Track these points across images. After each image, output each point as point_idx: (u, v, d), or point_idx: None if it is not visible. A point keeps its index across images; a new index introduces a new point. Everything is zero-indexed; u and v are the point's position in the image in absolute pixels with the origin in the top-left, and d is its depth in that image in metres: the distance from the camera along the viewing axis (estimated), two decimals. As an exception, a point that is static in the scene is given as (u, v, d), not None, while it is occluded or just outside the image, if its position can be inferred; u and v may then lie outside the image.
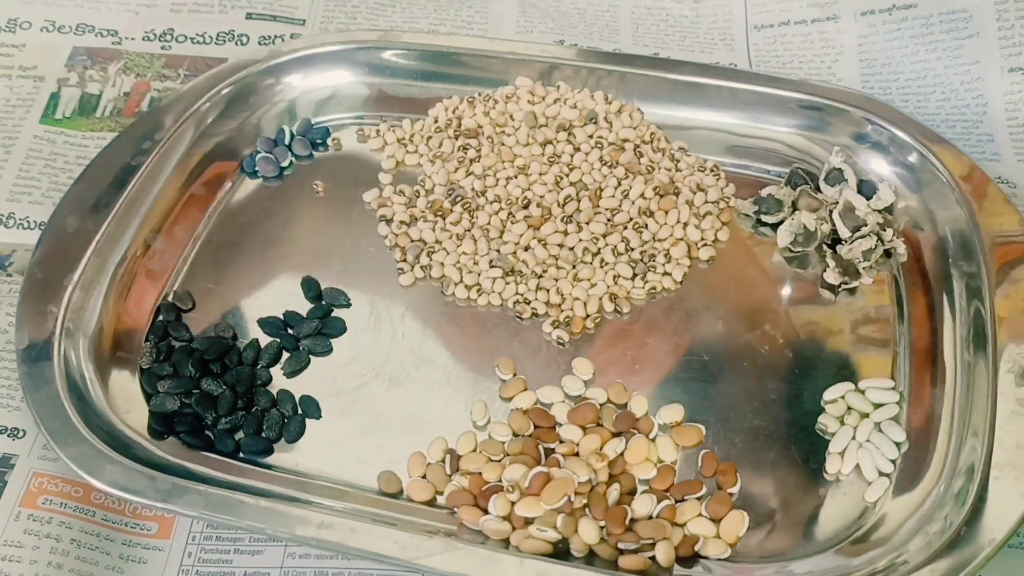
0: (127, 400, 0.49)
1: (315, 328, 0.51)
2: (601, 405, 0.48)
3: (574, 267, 0.53)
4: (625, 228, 0.54)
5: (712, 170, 0.57)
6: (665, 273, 0.53)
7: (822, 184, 0.55)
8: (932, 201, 0.54)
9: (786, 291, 0.53)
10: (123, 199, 0.54)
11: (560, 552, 0.43)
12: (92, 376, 0.49)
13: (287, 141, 0.60)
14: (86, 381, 0.48)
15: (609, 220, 0.54)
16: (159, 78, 0.66)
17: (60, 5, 0.70)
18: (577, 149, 0.58)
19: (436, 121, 0.60)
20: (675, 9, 0.71)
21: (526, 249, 0.54)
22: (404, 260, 0.54)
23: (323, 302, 0.53)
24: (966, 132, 0.62)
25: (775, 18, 0.69)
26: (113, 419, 0.47)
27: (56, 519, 0.45)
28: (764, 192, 0.55)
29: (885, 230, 0.52)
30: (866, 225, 0.52)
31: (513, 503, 0.43)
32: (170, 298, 0.53)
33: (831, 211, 0.53)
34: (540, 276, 0.53)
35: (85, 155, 0.60)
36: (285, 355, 0.51)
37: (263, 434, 0.48)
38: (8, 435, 0.48)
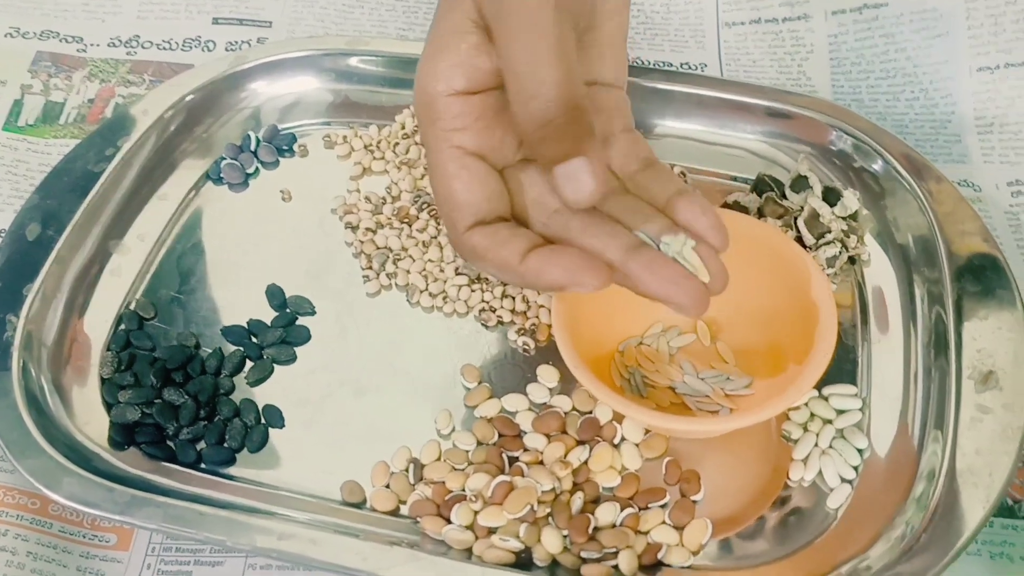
0: (87, 411, 0.48)
1: (279, 337, 0.51)
2: (566, 413, 0.48)
3: (540, 274, 0.53)
4: (591, 235, 0.54)
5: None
6: (631, 280, 0.53)
7: (788, 191, 0.55)
8: (896, 208, 0.54)
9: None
10: (84, 207, 0.54)
11: (523, 562, 0.43)
12: (51, 387, 0.48)
13: (253, 148, 0.60)
14: (45, 392, 0.48)
15: (575, 227, 0.54)
16: (124, 84, 0.66)
17: (25, 11, 0.69)
18: (544, 156, 0.57)
19: (403, 127, 0.60)
20: (646, 5, 0.71)
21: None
22: (370, 267, 0.54)
23: (288, 310, 0.52)
24: (934, 132, 0.62)
25: (746, 16, 0.70)
26: (72, 430, 0.47)
27: (12, 531, 0.45)
28: (730, 199, 0.55)
29: (849, 237, 0.52)
30: (831, 232, 0.52)
31: (476, 512, 0.43)
32: (132, 307, 0.52)
33: (796, 218, 0.53)
34: (506, 284, 0.53)
35: (48, 162, 0.59)
36: (249, 364, 0.50)
37: (225, 444, 0.47)
38: (-35, 447, 0.47)
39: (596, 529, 0.43)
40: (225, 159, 0.59)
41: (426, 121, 0.41)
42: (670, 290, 0.38)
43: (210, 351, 0.50)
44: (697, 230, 0.39)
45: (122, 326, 0.52)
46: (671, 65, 0.67)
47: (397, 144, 0.59)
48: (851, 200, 0.53)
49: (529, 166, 0.42)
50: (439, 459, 0.46)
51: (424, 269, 0.53)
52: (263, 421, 0.48)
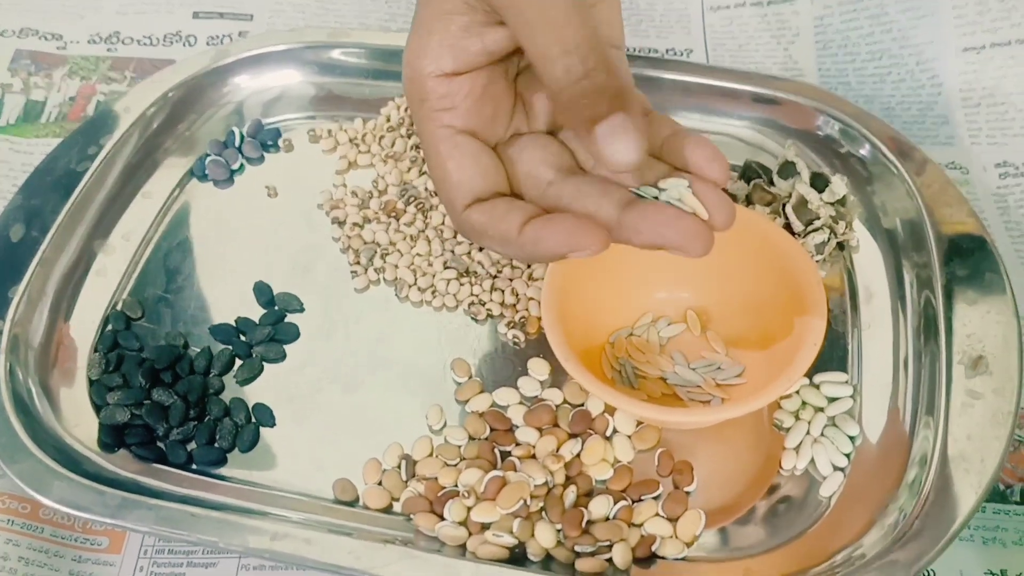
0: (76, 413, 0.48)
1: (268, 334, 0.51)
2: (557, 406, 0.47)
3: (529, 267, 0.53)
4: (579, 226, 0.54)
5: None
6: (620, 270, 0.53)
7: (775, 178, 0.54)
8: (884, 193, 0.54)
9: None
10: (68, 206, 0.53)
11: (517, 557, 0.43)
12: (39, 389, 0.48)
13: (237, 143, 0.59)
14: (32, 395, 0.48)
15: (563, 218, 0.54)
16: (105, 81, 0.65)
17: (2, 9, 0.69)
18: (530, 146, 0.57)
19: (388, 120, 0.59)
20: None
21: (480, 250, 0.53)
22: (358, 263, 0.54)
23: (276, 307, 0.52)
24: (921, 114, 0.62)
25: (731, 0, 0.69)
26: (61, 433, 0.47)
27: (3, 536, 0.44)
28: (718, 186, 0.55)
29: (838, 223, 0.52)
30: (819, 218, 0.52)
31: (469, 508, 0.43)
32: (119, 307, 0.52)
33: (784, 205, 0.53)
34: (495, 277, 0.52)
35: (30, 162, 0.58)
36: (238, 362, 0.50)
37: (216, 444, 0.47)
38: (-47, 452, 0.47)
39: (590, 523, 0.43)
40: (209, 155, 0.58)
41: (415, 101, 0.41)
42: (666, 233, 0.37)
43: (199, 350, 0.50)
44: (694, 163, 0.38)
45: (109, 327, 0.51)
46: (656, 51, 0.67)
47: (383, 137, 0.59)
48: (839, 186, 0.53)
49: (519, 140, 0.42)
50: (431, 455, 0.46)
51: (412, 263, 0.53)
52: (253, 420, 0.48)
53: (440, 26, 0.40)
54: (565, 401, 0.48)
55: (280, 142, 0.60)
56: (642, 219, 0.37)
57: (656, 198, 0.38)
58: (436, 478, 0.45)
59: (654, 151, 0.40)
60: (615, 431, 0.46)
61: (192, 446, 0.47)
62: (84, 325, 0.51)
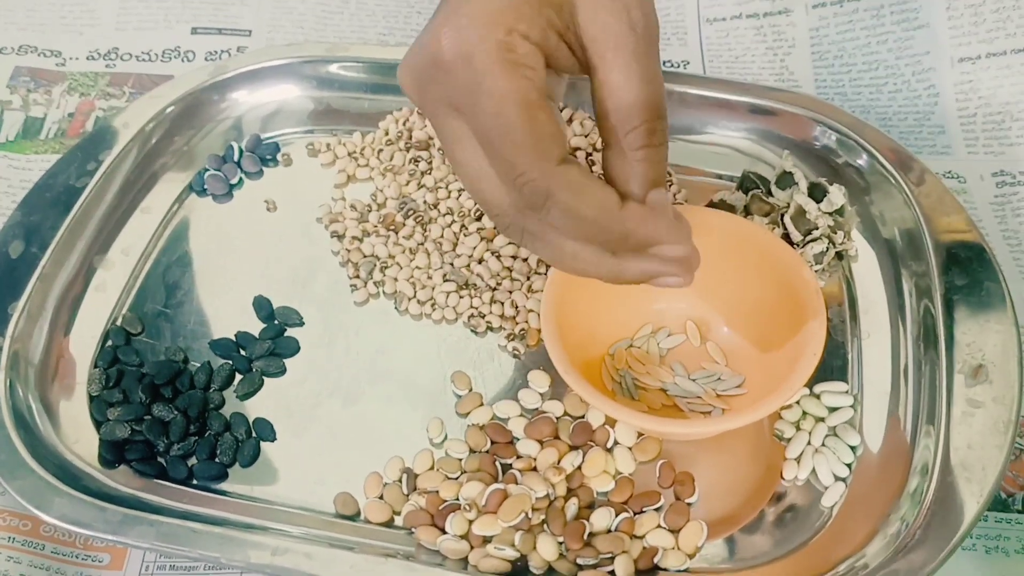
0: (76, 429, 0.48)
1: (268, 348, 0.51)
2: (558, 418, 0.47)
3: (528, 279, 0.53)
4: (578, 238, 0.54)
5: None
6: (619, 282, 0.53)
7: (773, 188, 0.55)
8: (882, 202, 0.54)
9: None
10: (68, 222, 0.53)
11: (519, 570, 0.43)
12: (39, 406, 0.48)
13: (236, 158, 0.59)
14: (33, 411, 0.48)
15: (562, 230, 0.54)
16: (104, 96, 0.65)
17: (1, 26, 0.69)
18: (529, 159, 0.57)
19: (387, 134, 0.60)
20: None
21: (480, 262, 0.53)
22: (357, 276, 0.54)
23: (276, 321, 0.52)
24: (918, 124, 0.63)
25: (727, 11, 0.70)
26: (62, 449, 0.47)
27: (4, 554, 0.44)
28: (716, 197, 0.55)
29: (836, 232, 0.52)
30: (817, 228, 0.52)
31: (470, 522, 0.43)
32: (119, 322, 0.52)
33: (783, 215, 0.53)
34: (494, 289, 0.52)
35: (29, 179, 0.59)
36: (238, 377, 0.50)
37: (217, 459, 0.47)
38: (-46, 469, 0.47)
39: (591, 535, 0.43)
40: (208, 170, 0.58)
41: (485, 58, 0.36)
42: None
43: (199, 365, 0.50)
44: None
45: (109, 342, 0.51)
46: (653, 63, 0.67)
47: (381, 151, 0.59)
48: (837, 195, 0.53)
49: None
50: (432, 468, 0.46)
51: (412, 276, 0.53)
52: (254, 435, 0.48)
53: (510, 5, 0.37)
54: (566, 413, 0.48)
55: (279, 156, 0.60)
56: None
57: None
58: (437, 491, 0.45)
59: None
60: (616, 443, 0.46)
61: (193, 461, 0.47)
62: (84, 341, 0.51)
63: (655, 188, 0.38)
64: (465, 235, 0.54)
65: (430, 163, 0.57)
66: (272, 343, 0.51)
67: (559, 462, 0.45)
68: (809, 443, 0.46)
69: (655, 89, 0.38)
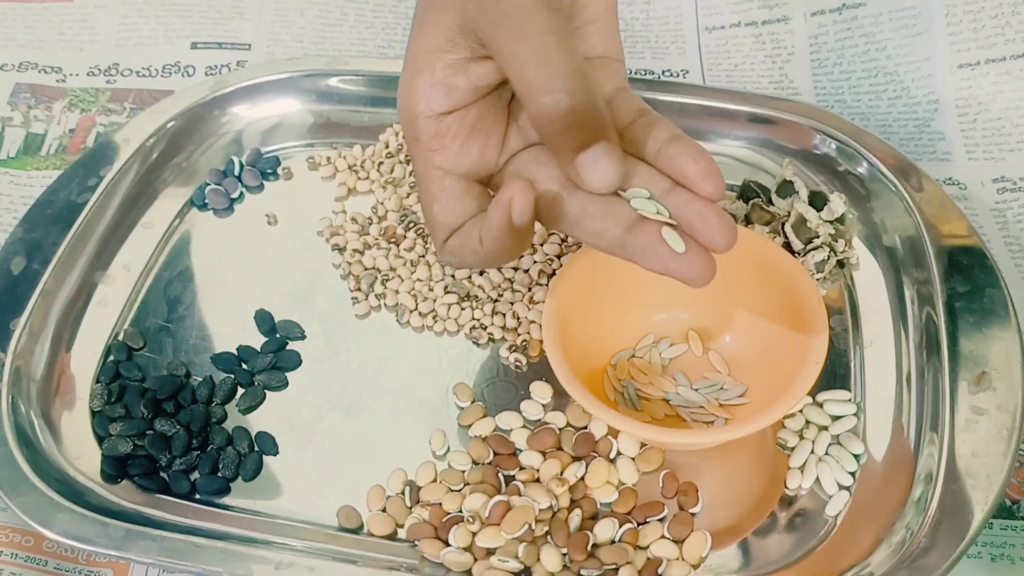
0: (78, 444, 0.48)
1: (270, 362, 0.51)
2: (561, 429, 0.47)
3: (529, 290, 0.53)
4: (579, 248, 0.54)
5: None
6: (621, 292, 0.53)
7: (774, 197, 0.55)
8: (883, 210, 0.54)
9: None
10: (69, 238, 0.53)
11: (523, 582, 0.43)
12: (41, 421, 0.48)
13: (236, 172, 0.59)
14: (35, 427, 0.48)
15: (563, 241, 0.54)
16: (104, 112, 0.65)
17: (1, 43, 0.69)
18: (529, 170, 0.57)
19: (387, 146, 0.60)
20: (626, 12, 0.71)
21: (481, 274, 0.53)
22: (358, 289, 0.54)
23: (277, 335, 0.52)
24: (917, 131, 0.63)
25: (726, 19, 0.70)
26: (64, 465, 0.47)
27: (7, 570, 0.44)
28: (717, 206, 0.55)
29: (837, 241, 0.52)
30: (818, 237, 0.52)
31: (474, 534, 0.43)
32: (120, 337, 0.52)
33: (783, 224, 0.53)
34: (496, 300, 0.52)
35: (31, 195, 0.59)
36: (240, 391, 0.50)
37: (219, 473, 0.47)
38: (-44, 486, 0.47)
39: (595, 546, 0.43)
40: (209, 184, 0.59)
41: (410, 138, 0.42)
42: (670, 265, 0.38)
43: (200, 379, 0.50)
44: (689, 179, 0.38)
45: (111, 357, 0.51)
46: (653, 73, 0.68)
47: (381, 163, 0.59)
48: (837, 204, 0.53)
49: (516, 158, 0.42)
50: (435, 480, 0.46)
51: (413, 288, 0.53)
52: (256, 449, 0.48)
53: (427, 65, 0.40)
54: (568, 424, 0.48)
55: (279, 170, 0.60)
56: (646, 247, 0.38)
57: (658, 212, 0.38)
58: (440, 504, 0.45)
59: (650, 158, 0.39)
60: (619, 453, 0.46)
61: (195, 476, 0.47)
62: (86, 356, 0.51)
63: (581, 152, 0.37)
64: (466, 247, 0.54)
65: (430, 175, 0.57)
66: (274, 357, 0.51)
67: (562, 473, 0.45)
68: (812, 452, 0.46)
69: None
